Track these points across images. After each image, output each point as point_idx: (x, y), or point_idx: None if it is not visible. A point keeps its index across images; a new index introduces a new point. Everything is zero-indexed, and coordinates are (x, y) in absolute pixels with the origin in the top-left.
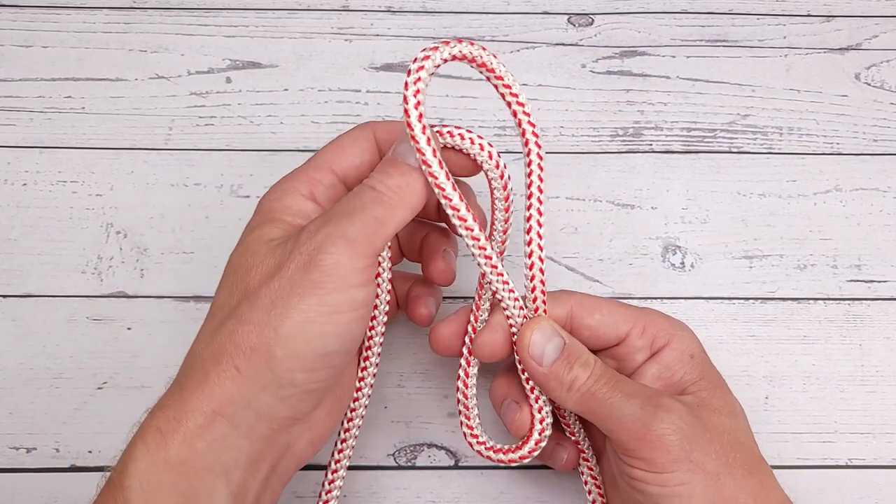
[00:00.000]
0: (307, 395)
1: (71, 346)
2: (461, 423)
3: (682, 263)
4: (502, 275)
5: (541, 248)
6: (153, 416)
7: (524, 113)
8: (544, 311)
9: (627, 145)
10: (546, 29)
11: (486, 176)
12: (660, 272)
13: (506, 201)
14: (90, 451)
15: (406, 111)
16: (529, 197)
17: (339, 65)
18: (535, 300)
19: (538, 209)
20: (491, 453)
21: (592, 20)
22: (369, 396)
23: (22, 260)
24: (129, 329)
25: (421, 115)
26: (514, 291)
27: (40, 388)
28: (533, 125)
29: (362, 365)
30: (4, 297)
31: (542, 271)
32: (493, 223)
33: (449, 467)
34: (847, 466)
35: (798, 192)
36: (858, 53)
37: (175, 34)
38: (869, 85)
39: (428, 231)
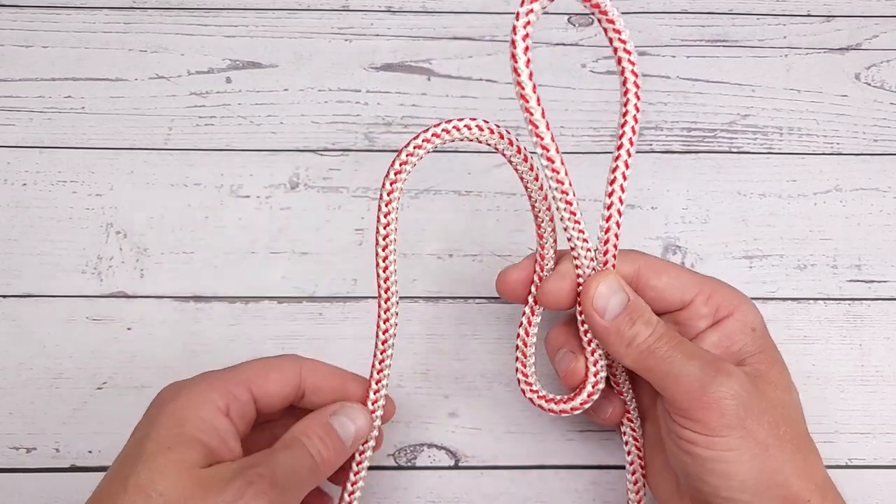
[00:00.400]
0: None
1: (71, 346)
2: (517, 370)
3: (683, 263)
4: (579, 223)
5: (621, 202)
6: None
7: (629, 62)
8: (613, 265)
9: None
10: (546, 29)
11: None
12: None
13: (545, 200)
14: (90, 451)
15: (513, 55)
16: (619, 148)
17: (339, 65)
18: (605, 252)
19: (626, 161)
20: (543, 402)
21: (592, 20)
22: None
23: (22, 260)
24: (128, 329)
25: (528, 61)
26: (587, 241)
27: (40, 388)
28: (636, 75)
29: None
30: (4, 297)
31: (618, 224)
32: (538, 222)
33: (449, 467)
34: (847, 466)
35: (798, 192)
36: (858, 53)
37: (175, 34)
38: (869, 85)
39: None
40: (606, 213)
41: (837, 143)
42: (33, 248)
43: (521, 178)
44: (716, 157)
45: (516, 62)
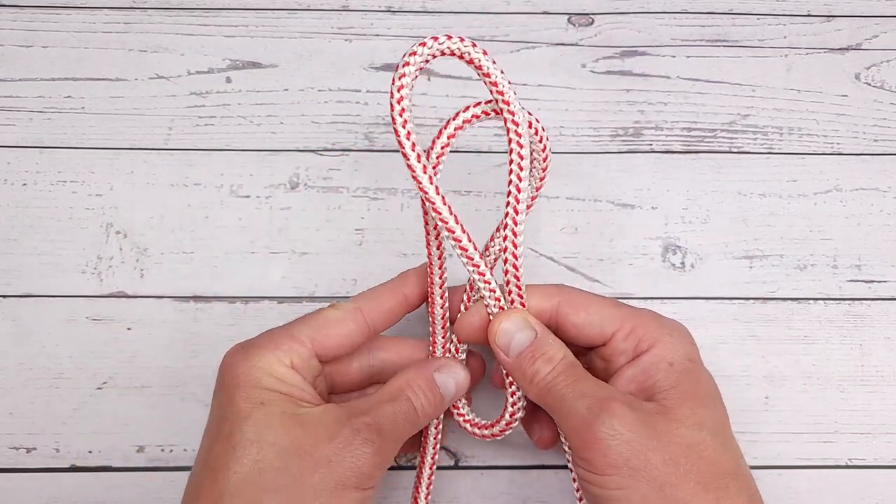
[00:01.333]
0: None
1: (71, 346)
2: None
3: (683, 263)
4: (478, 266)
5: (515, 246)
6: None
7: (509, 111)
8: (521, 303)
9: (628, 145)
10: (546, 29)
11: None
12: (660, 272)
13: (544, 161)
14: (90, 451)
15: (392, 118)
16: (508, 195)
17: (339, 65)
18: (510, 293)
19: (514, 207)
20: (468, 426)
21: (592, 20)
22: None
23: (22, 260)
24: (128, 329)
25: (405, 122)
26: (489, 283)
27: (40, 388)
28: (517, 124)
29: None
30: (4, 297)
31: (515, 267)
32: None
33: (449, 467)
34: (847, 466)
35: (798, 192)
36: (858, 53)
37: (175, 34)
38: (869, 85)
39: None
40: (503, 257)
41: (837, 143)
42: (33, 248)
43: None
44: (716, 157)
45: (398, 136)
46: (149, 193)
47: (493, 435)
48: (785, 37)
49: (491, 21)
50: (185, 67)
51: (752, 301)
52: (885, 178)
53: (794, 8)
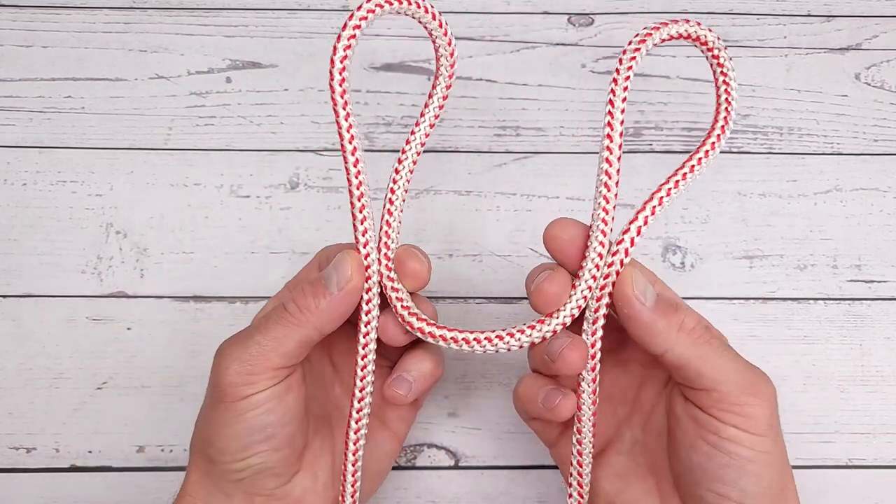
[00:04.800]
0: (261, 474)
1: (71, 346)
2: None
3: (683, 263)
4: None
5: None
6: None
7: (726, 110)
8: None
9: (627, 145)
10: (546, 29)
11: (434, 43)
12: (660, 272)
13: (451, 68)
14: (90, 451)
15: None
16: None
17: None
18: (622, 242)
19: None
20: (404, 313)
21: (592, 20)
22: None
23: (22, 260)
24: (128, 329)
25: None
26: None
27: (40, 389)
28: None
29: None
30: (4, 297)
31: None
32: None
33: (449, 467)
34: (847, 466)
35: (798, 192)
36: (858, 53)
37: (175, 34)
38: (869, 85)
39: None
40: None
41: (837, 143)
42: (33, 248)
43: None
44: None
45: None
46: (149, 193)
47: (422, 331)
48: (785, 37)
49: (491, 21)
50: (185, 67)
51: (752, 301)
52: (885, 178)
53: (794, 8)
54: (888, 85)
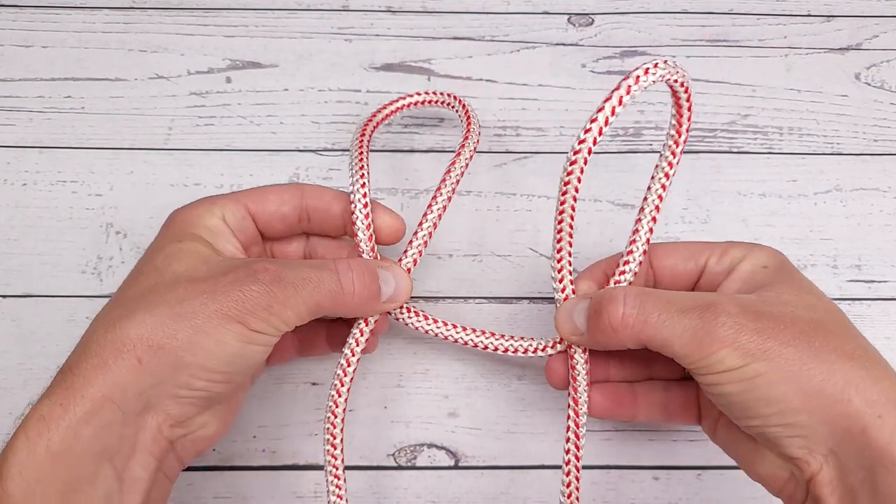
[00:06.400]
0: (199, 400)
1: (71, 346)
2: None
3: None
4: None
5: (570, 237)
6: (37, 405)
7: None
8: (572, 291)
9: (627, 145)
10: (546, 29)
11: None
12: None
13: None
14: None
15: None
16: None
17: (339, 65)
18: (563, 290)
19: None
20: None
21: (592, 20)
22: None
23: (22, 260)
24: None
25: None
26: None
27: (40, 389)
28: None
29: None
30: (4, 297)
31: (568, 262)
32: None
33: (449, 467)
34: None
35: (798, 192)
36: (858, 53)
37: (175, 34)
38: (869, 85)
39: None
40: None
41: (837, 143)
42: (33, 248)
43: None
44: (716, 157)
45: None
46: (149, 193)
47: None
48: (785, 37)
49: (491, 21)
50: (185, 67)
51: None
52: (885, 178)
53: (794, 8)
54: (888, 85)
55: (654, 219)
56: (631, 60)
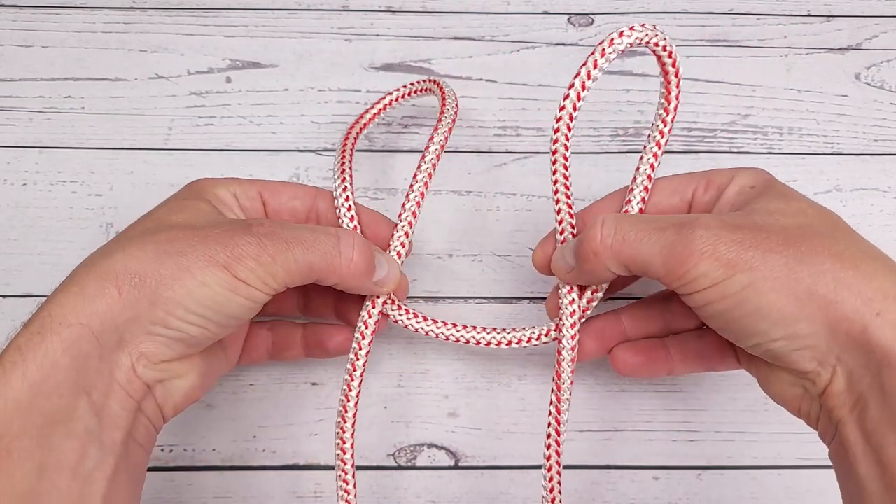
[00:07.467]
0: (173, 342)
1: None
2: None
3: None
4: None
5: (566, 186)
6: (15, 337)
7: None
8: (571, 234)
9: (627, 145)
10: (546, 29)
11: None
12: None
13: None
14: None
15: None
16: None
17: (339, 65)
18: (562, 232)
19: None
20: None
21: (592, 20)
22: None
23: (22, 260)
24: None
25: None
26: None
27: None
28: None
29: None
30: (4, 297)
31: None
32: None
33: (449, 467)
34: None
35: (798, 191)
36: (858, 53)
37: (175, 34)
38: (869, 85)
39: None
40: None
41: (837, 143)
42: (33, 248)
43: None
44: (716, 157)
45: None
46: (149, 193)
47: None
48: (785, 37)
49: (491, 21)
50: (185, 67)
51: None
52: (885, 178)
53: (794, 8)
54: (888, 85)
55: (651, 165)
56: (630, 60)
